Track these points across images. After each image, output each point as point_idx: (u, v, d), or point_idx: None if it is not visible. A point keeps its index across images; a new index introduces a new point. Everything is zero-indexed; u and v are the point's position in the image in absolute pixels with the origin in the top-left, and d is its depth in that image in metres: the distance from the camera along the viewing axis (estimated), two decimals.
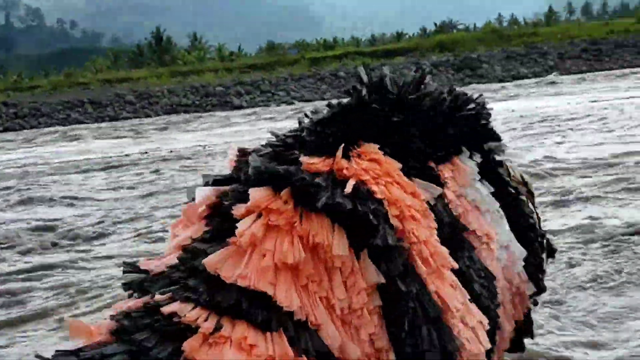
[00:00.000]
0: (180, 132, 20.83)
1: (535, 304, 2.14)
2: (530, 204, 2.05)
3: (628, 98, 17.19)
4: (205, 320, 1.32)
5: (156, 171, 10.95)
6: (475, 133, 1.91)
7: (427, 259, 1.50)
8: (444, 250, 1.57)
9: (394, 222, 1.48)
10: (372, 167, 1.56)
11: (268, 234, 1.38)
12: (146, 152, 14.60)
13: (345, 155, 1.58)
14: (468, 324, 1.54)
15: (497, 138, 1.96)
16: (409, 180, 1.63)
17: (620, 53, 34.48)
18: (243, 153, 1.70)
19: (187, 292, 1.37)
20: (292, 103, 29.65)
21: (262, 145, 1.70)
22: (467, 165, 1.81)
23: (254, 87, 32.34)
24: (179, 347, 1.30)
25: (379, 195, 1.49)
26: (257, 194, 1.44)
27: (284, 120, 21.51)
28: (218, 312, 1.34)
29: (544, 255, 2.08)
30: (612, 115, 13.49)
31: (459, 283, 1.58)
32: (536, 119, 14.12)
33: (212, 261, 1.39)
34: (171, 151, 14.27)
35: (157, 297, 1.40)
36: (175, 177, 10.01)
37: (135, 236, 6.26)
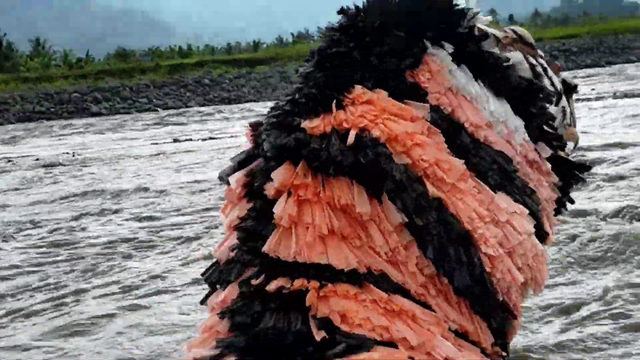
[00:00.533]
0: (42, 138, 19.78)
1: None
2: (529, 57, 2.02)
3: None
4: (309, 282, 1.43)
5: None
6: (441, 22, 1.82)
7: (442, 178, 1.58)
8: (456, 162, 1.63)
9: (402, 158, 1.56)
10: (367, 110, 1.61)
11: (302, 209, 1.49)
12: (10, 161, 13.70)
13: (341, 106, 1.62)
14: (500, 220, 1.63)
15: (463, 14, 1.84)
16: (403, 105, 1.66)
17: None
18: (256, 126, 1.73)
19: (272, 271, 1.47)
20: (155, 110, 28.94)
21: (267, 115, 1.72)
22: (439, 59, 1.76)
23: (113, 94, 31.27)
24: (290, 312, 1.42)
25: (380, 137, 1.56)
26: (280, 174, 1.52)
27: (151, 128, 21.00)
28: (309, 279, 1.46)
29: (558, 105, 2.07)
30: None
31: (482, 183, 1.66)
32: None
33: (269, 247, 1.49)
34: (37, 159, 13.49)
35: (253, 282, 1.48)
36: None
37: None
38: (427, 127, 1.65)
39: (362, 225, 1.51)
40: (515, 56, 1.94)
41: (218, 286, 1.63)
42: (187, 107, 29.95)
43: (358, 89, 1.66)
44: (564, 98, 2.13)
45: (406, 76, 1.72)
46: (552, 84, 2.05)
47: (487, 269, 1.58)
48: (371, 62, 1.72)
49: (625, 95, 18.87)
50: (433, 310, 1.53)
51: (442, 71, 1.75)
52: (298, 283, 1.45)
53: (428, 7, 1.81)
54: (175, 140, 16.24)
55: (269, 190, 1.55)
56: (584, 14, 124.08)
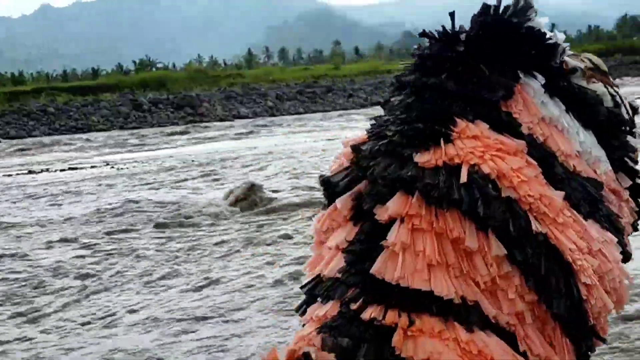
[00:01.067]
0: None
1: None
2: (609, 88, 2.16)
3: None
4: (399, 317, 1.56)
5: None
6: (533, 54, 1.96)
7: (544, 212, 1.71)
8: (556, 196, 1.76)
9: (509, 192, 1.68)
10: (475, 146, 1.73)
11: (414, 237, 1.59)
12: None
13: (448, 139, 1.73)
14: (593, 250, 1.76)
15: (555, 48, 1.98)
16: (505, 139, 1.79)
17: (330, 97, 37.86)
18: (358, 150, 1.81)
19: (372, 296, 1.59)
20: None
21: (370, 138, 1.83)
22: (532, 89, 1.90)
23: None
24: (383, 345, 1.54)
25: (491, 174, 1.68)
26: (395, 202, 1.64)
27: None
28: (403, 309, 1.58)
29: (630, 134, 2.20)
30: None
31: (576, 213, 1.79)
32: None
33: (377, 268, 1.60)
34: None
35: (352, 306, 1.61)
36: None
37: None
38: (526, 159, 1.77)
39: (467, 257, 1.62)
40: (599, 88, 2.09)
41: (319, 299, 1.71)
42: (31, 136, 28.49)
43: (462, 123, 1.77)
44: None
45: (501, 106, 1.83)
46: (627, 110, 2.21)
47: (584, 297, 1.70)
48: (467, 94, 1.82)
49: None
50: (516, 344, 1.63)
51: (535, 102, 1.87)
52: (390, 318, 1.56)
53: (521, 38, 1.92)
54: (30, 172, 15.49)
55: (381, 215, 1.65)
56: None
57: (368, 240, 1.66)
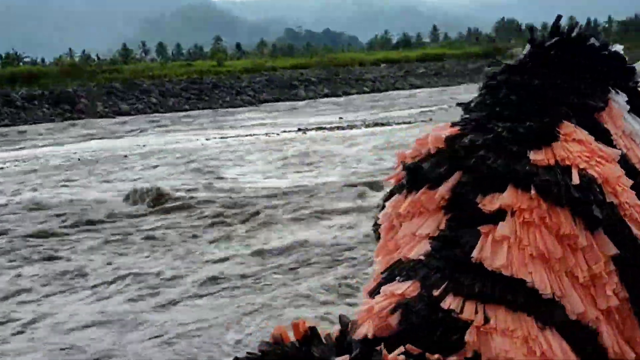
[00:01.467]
0: None
1: None
2: None
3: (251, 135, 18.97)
4: (476, 313, 1.60)
5: None
6: (617, 71, 2.13)
7: (636, 219, 1.83)
8: None
9: (611, 198, 1.81)
10: (581, 150, 1.84)
11: (524, 229, 1.68)
12: None
13: (555, 138, 1.85)
14: None
15: (634, 70, 2.17)
16: (604, 147, 1.91)
17: (217, 93, 37.58)
18: (452, 141, 1.85)
19: (454, 283, 1.64)
20: None
21: (464, 131, 1.87)
22: (619, 104, 2.05)
23: None
24: (458, 339, 1.59)
25: (598, 179, 1.80)
26: (507, 195, 1.72)
27: None
28: (482, 301, 1.63)
29: None
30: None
31: None
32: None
33: (478, 254, 1.66)
34: None
35: (434, 292, 1.64)
36: None
37: None
38: (622, 172, 1.87)
39: (572, 252, 1.71)
40: None
41: (398, 278, 1.73)
42: None
43: (569, 126, 1.87)
44: None
45: (595, 117, 1.95)
46: None
47: None
48: (569, 100, 1.93)
49: (376, 124, 20.63)
50: (591, 342, 1.73)
51: (621, 115, 2.01)
52: (467, 313, 1.61)
53: (610, 57, 2.09)
54: None
55: (489, 205, 1.71)
56: (308, 45, 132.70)
57: (460, 229, 1.72)
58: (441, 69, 49.75)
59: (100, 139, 21.41)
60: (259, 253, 6.89)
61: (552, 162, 1.77)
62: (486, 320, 1.61)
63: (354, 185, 10.07)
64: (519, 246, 1.68)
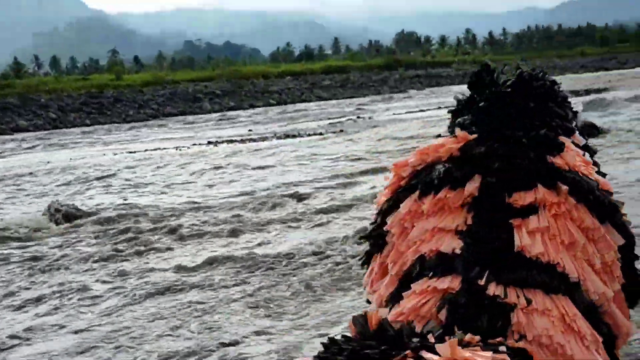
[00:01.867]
0: None
1: None
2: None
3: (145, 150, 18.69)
4: (518, 297, 1.78)
5: None
6: (567, 117, 2.27)
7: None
8: None
9: (608, 197, 2.05)
10: (579, 159, 2.05)
11: (554, 221, 1.89)
12: None
13: (563, 148, 2.06)
14: None
15: (576, 114, 2.35)
16: (589, 159, 2.15)
17: (119, 107, 36.83)
18: (469, 148, 2.01)
19: (495, 272, 1.80)
20: None
21: (479, 140, 2.02)
22: (572, 146, 2.19)
23: None
24: (504, 323, 1.76)
25: (600, 182, 2.05)
26: (541, 192, 1.92)
27: None
28: (521, 286, 1.81)
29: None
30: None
31: None
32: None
33: (518, 242, 1.84)
34: None
35: (480, 282, 1.81)
36: None
37: None
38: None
39: (590, 242, 1.93)
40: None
41: (431, 273, 1.88)
42: None
43: (565, 139, 2.08)
44: None
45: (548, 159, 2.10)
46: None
47: None
48: (554, 121, 2.14)
49: (287, 136, 20.72)
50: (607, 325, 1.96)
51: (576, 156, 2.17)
52: (511, 297, 1.79)
53: (560, 100, 2.23)
54: None
55: (520, 201, 1.90)
56: (209, 57, 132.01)
57: (491, 223, 1.89)
58: (346, 81, 50.45)
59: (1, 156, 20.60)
60: (180, 268, 6.77)
61: (567, 167, 1.98)
62: (528, 302, 1.78)
63: (276, 197, 10.06)
64: (549, 236, 1.87)
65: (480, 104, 2.13)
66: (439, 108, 28.55)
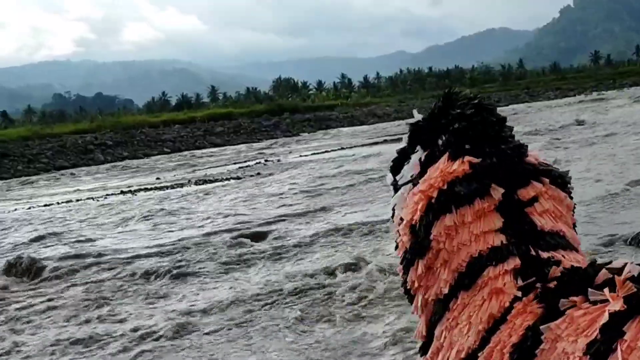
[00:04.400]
0: None
1: None
2: None
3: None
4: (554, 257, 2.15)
5: None
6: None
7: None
8: None
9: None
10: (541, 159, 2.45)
11: (551, 204, 2.30)
12: None
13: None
14: None
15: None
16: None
17: (7, 163, 35.46)
18: (474, 166, 2.33)
19: (536, 245, 2.19)
20: None
21: (482, 159, 2.35)
22: None
23: None
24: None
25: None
26: (538, 186, 2.30)
27: None
28: (551, 250, 2.19)
29: None
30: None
31: None
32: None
33: (539, 223, 2.24)
34: None
35: (532, 253, 2.16)
36: None
37: None
38: None
39: (567, 212, 2.34)
40: None
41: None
42: None
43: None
44: None
45: None
46: None
47: None
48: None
49: (204, 181, 20.69)
50: None
51: None
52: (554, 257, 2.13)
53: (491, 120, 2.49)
54: None
55: (526, 195, 2.26)
56: (81, 109, 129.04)
57: (515, 218, 2.25)
58: (238, 127, 50.64)
59: None
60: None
61: (537, 162, 2.37)
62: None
63: (231, 238, 10.22)
64: (551, 214, 2.28)
65: (456, 125, 2.43)
66: (342, 149, 29.39)
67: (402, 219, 2.34)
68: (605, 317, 1.78)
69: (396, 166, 2.40)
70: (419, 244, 2.36)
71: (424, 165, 2.32)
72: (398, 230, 2.34)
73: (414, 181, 2.31)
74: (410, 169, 2.36)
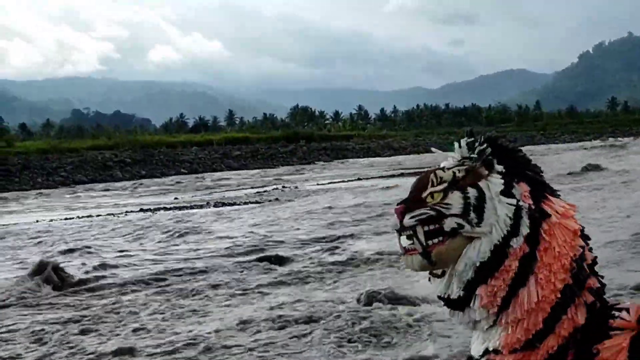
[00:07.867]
0: None
1: None
2: None
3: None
4: None
5: None
6: None
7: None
8: None
9: None
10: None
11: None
12: None
13: None
14: None
15: None
16: None
17: (27, 174, 35.83)
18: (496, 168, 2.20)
19: None
20: None
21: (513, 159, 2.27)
22: None
23: None
24: None
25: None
26: (551, 195, 2.27)
27: None
28: None
29: None
30: None
31: None
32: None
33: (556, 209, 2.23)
34: None
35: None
36: None
37: None
38: None
39: None
40: None
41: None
42: None
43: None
44: None
45: None
46: None
47: None
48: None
49: (223, 204, 20.82)
50: None
51: None
52: None
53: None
54: None
55: (549, 203, 2.21)
56: (98, 125, 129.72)
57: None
58: (256, 152, 51.04)
59: None
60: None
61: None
62: None
63: (252, 261, 10.36)
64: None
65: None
66: (359, 179, 29.51)
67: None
68: None
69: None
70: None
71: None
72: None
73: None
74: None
